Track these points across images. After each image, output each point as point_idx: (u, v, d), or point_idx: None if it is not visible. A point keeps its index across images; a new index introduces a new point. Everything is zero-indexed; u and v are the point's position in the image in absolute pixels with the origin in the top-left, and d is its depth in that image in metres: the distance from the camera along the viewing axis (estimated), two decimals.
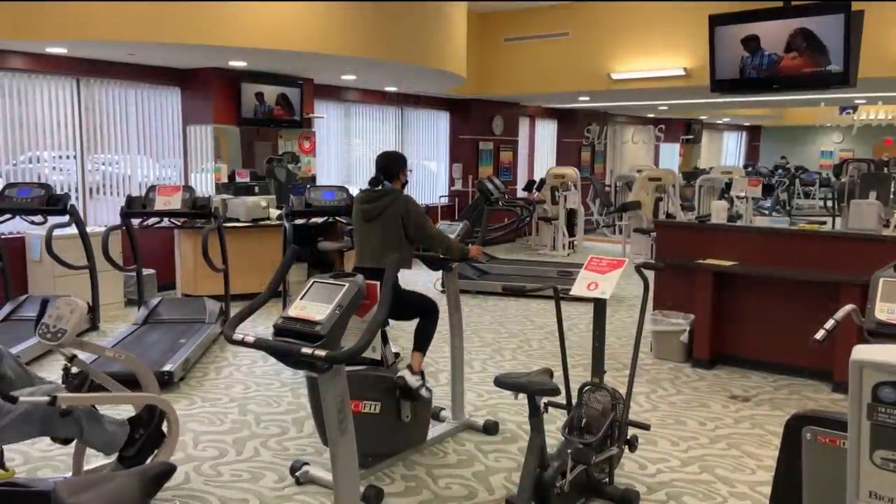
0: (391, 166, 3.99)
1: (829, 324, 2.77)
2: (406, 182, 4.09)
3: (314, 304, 2.60)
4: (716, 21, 7.62)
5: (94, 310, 6.38)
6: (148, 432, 3.14)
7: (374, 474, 3.61)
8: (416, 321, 3.98)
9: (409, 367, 3.73)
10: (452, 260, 4.08)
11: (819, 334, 2.76)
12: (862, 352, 1.41)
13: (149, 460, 3.20)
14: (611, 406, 3.30)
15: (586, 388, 3.39)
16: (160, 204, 6.24)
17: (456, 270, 4.26)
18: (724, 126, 21.89)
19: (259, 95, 8.41)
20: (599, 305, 3.38)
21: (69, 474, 3.37)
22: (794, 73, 7.23)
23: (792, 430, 1.88)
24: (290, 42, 6.78)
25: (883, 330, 2.66)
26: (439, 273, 6.40)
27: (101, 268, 6.43)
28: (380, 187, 3.98)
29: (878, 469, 1.43)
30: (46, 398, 2.73)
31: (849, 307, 2.82)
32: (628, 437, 3.42)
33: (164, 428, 3.31)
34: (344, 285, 2.63)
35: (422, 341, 3.90)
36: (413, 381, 3.64)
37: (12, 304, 6.24)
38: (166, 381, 4.72)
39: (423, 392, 3.68)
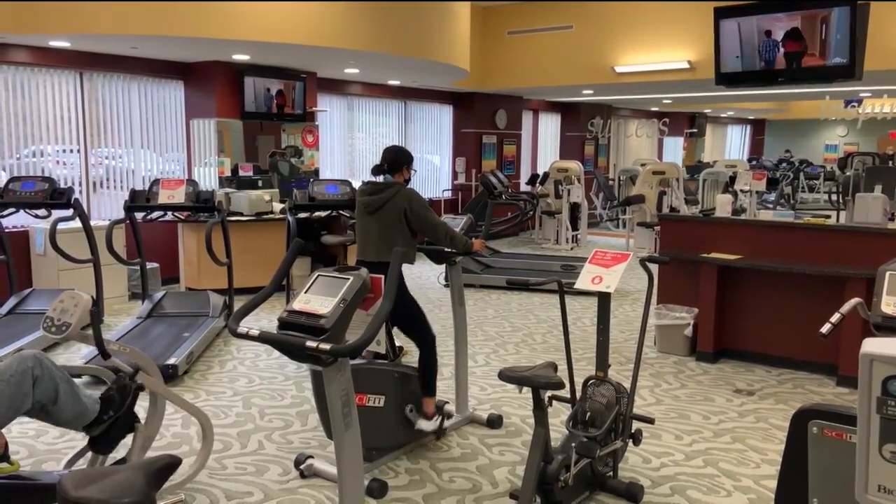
0: (397, 160, 3.98)
1: (835, 317, 2.75)
2: (409, 179, 4.07)
3: (318, 297, 2.59)
4: (721, 13, 7.59)
5: (98, 303, 6.38)
6: (118, 415, 3.02)
7: (379, 467, 3.62)
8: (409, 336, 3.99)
9: (424, 415, 3.74)
10: (456, 254, 4.07)
11: (825, 328, 2.75)
12: (872, 345, 1.40)
13: (122, 448, 3.13)
14: (615, 400, 3.30)
15: (590, 381, 3.39)
16: (164, 198, 6.24)
17: (460, 264, 4.25)
18: (728, 119, 21.83)
19: (262, 89, 8.39)
20: (604, 299, 3.38)
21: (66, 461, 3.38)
22: (799, 66, 7.19)
23: (798, 423, 1.87)
24: (294, 36, 6.76)
25: (889, 324, 2.65)
26: (443, 267, 6.39)
27: (105, 262, 6.43)
28: (381, 178, 3.97)
29: (887, 463, 1.42)
30: (130, 369, 2.97)
31: (855, 301, 2.81)
32: (632, 431, 3.42)
33: (199, 436, 3.29)
34: (348, 279, 2.63)
35: (427, 384, 3.80)
36: (431, 426, 3.74)
37: (16, 298, 6.25)
38: (170, 375, 4.73)
39: (445, 424, 3.87)
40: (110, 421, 3.00)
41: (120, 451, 3.19)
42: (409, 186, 3.98)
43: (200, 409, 3.32)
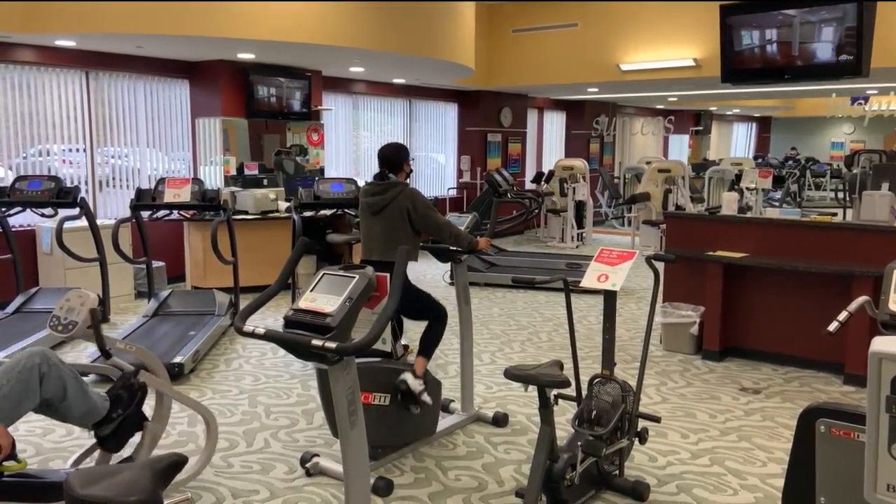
0: (394, 158, 3.97)
1: (843, 316, 2.74)
2: (410, 171, 4.07)
3: (324, 296, 2.59)
4: (726, 11, 7.56)
5: (104, 302, 6.40)
6: (126, 413, 3.02)
7: (384, 466, 3.62)
8: (422, 321, 3.97)
9: (412, 371, 3.68)
10: (461, 252, 4.07)
11: (832, 326, 2.74)
12: (881, 344, 1.40)
13: (129, 446, 3.13)
14: (621, 398, 3.29)
15: (596, 380, 3.38)
16: (169, 197, 6.25)
17: (465, 263, 4.25)
18: (734, 117, 21.76)
19: (267, 88, 8.40)
20: (610, 297, 3.37)
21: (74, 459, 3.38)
22: (805, 64, 7.16)
23: (805, 422, 1.86)
24: (299, 34, 6.77)
25: None
26: (448, 265, 6.39)
27: (111, 260, 6.44)
28: (385, 180, 3.97)
29: None
30: (131, 367, 2.99)
31: (862, 299, 2.79)
32: (638, 430, 3.41)
33: (203, 431, 3.29)
34: (354, 277, 2.63)
35: (427, 346, 3.84)
36: (415, 385, 3.62)
37: (23, 297, 6.27)
38: (177, 373, 4.74)
39: (426, 398, 3.65)
40: (119, 420, 3.00)
41: (126, 450, 3.19)
42: (412, 186, 3.98)
43: (205, 407, 3.33)
